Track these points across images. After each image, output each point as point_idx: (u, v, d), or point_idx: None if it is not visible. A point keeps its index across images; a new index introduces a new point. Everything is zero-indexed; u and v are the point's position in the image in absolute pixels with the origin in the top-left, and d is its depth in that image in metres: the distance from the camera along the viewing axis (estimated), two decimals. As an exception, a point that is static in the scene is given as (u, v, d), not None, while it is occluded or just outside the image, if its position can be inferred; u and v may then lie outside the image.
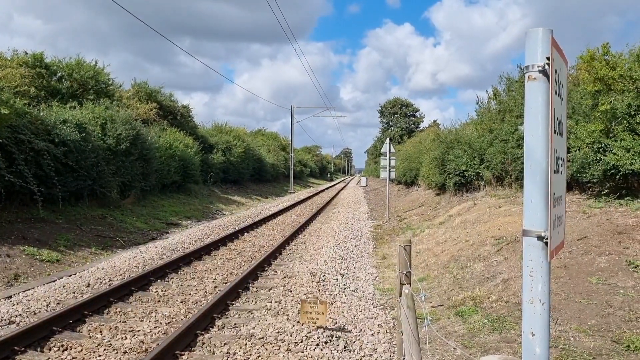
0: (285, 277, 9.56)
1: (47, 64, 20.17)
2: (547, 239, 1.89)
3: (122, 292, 7.98)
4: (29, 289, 8.42)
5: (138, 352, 5.68)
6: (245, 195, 33.42)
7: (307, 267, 10.32)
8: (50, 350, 5.75)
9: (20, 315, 6.89)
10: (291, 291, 8.44)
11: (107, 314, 7.14)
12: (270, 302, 7.79)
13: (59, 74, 21.09)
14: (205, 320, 6.66)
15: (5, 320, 6.65)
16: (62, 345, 5.83)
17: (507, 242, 9.63)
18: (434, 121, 55.14)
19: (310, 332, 6.31)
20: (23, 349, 5.59)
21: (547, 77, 1.88)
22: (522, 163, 1.97)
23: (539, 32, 1.89)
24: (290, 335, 6.22)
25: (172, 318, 6.95)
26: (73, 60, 21.72)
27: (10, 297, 7.90)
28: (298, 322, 6.68)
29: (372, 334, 6.46)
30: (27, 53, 19.58)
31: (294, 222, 18.53)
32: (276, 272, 10.03)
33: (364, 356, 5.75)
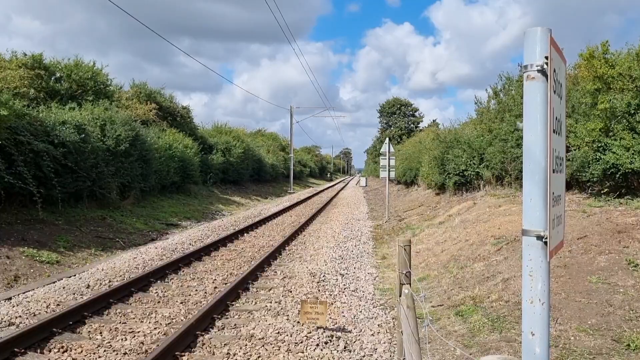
0: (285, 277, 9.56)
1: (46, 65, 20.16)
2: (546, 238, 1.88)
3: (122, 293, 7.97)
4: (28, 291, 8.41)
5: (138, 353, 5.67)
6: (245, 196, 33.41)
7: (307, 268, 10.32)
8: (50, 351, 5.74)
9: (20, 316, 6.89)
10: (291, 291, 8.44)
11: (107, 315, 7.13)
12: (270, 302, 7.78)
13: (58, 75, 21.08)
14: (205, 321, 6.65)
15: (5, 321, 6.64)
16: (62, 347, 5.83)
17: (506, 241, 9.63)
18: (434, 121, 55.21)
19: (310, 333, 6.31)
20: (23, 350, 5.59)
21: (546, 76, 1.88)
22: (522, 162, 1.97)
23: (538, 32, 1.89)
24: (291, 336, 6.22)
25: (172, 319, 6.94)
26: (72, 61, 21.71)
27: (10, 298, 7.89)
28: (298, 322, 6.67)
29: (372, 334, 6.45)
30: (26, 54, 19.57)
31: (294, 223, 18.52)
32: (276, 272, 10.02)
33: (364, 356, 5.75)
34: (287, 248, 12.91)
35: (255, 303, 7.85)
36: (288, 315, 7.08)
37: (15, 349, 5.53)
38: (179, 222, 18.84)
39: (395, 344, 5.83)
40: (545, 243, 1.89)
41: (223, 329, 6.60)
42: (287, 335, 6.25)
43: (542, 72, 1.88)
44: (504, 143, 16.49)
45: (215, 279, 9.32)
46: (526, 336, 1.94)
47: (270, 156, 48.53)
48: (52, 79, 20.64)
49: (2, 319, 6.73)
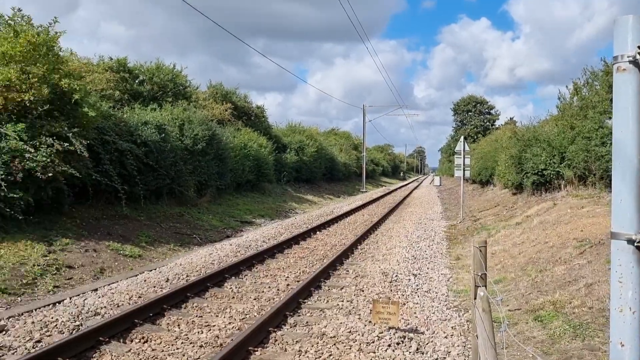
0: (357, 276, 9.53)
1: (129, 69, 21.17)
2: (638, 242, 1.75)
3: (199, 287, 8.22)
4: (113, 282, 8.84)
5: (213, 347, 5.83)
6: (318, 194, 33.67)
7: (379, 267, 10.24)
8: (132, 341, 6.01)
9: (105, 307, 7.25)
10: (363, 290, 8.40)
11: (184, 308, 7.38)
12: (342, 301, 7.78)
13: (141, 78, 22.07)
14: (278, 318, 6.73)
15: (91, 311, 7.01)
16: (143, 337, 6.08)
17: (590, 244, 9.15)
18: (511, 118, 53.38)
19: (382, 333, 6.25)
20: (107, 339, 5.87)
21: (638, 67, 1.75)
22: (607, 162, 1.85)
23: (630, 20, 1.76)
24: (362, 335, 6.18)
25: (246, 314, 7.08)
26: (153, 64, 22.68)
27: (97, 289, 8.34)
28: (370, 322, 6.63)
29: (446, 337, 6.31)
30: (111, 58, 20.65)
31: (366, 222, 18.46)
32: (348, 271, 10.01)
33: (437, 359, 5.63)
34: (359, 247, 12.87)
35: (327, 301, 7.87)
36: (360, 315, 7.05)
37: (100, 338, 5.82)
38: (253, 220, 19.22)
39: (469, 348, 5.67)
40: (638, 247, 1.76)
41: (295, 326, 6.66)
42: (358, 334, 6.22)
43: (635, 62, 1.75)
44: (588, 141, 15.68)
45: (287, 277, 9.42)
46: (614, 346, 1.82)
47: (343, 155, 48.62)
48: (136, 81, 21.64)
49: (89, 308, 7.11)
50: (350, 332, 6.32)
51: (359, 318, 6.90)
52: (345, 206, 25.82)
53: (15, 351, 5.57)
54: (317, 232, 15.40)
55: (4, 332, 6.11)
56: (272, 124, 37.06)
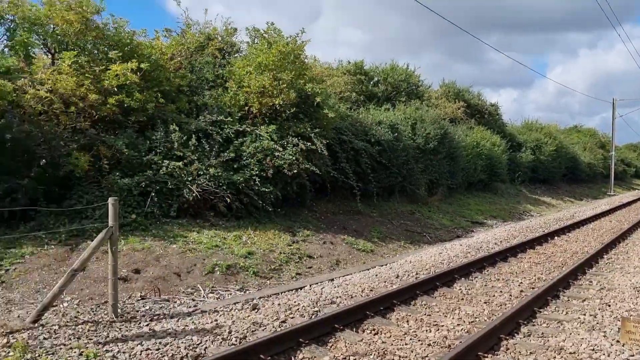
0: (602, 288, 8.60)
1: (365, 71, 22.29)
2: None
3: (428, 286, 8.26)
4: (347, 274, 9.40)
5: (441, 347, 5.81)
6: (556, 197, 31.24)
7: (631, 281, 9.08)
8: (363, 332, 6.31)
9: (339, 297, 7.74)
10: (609, 305, 7.54)
11: (413, 305, 7.49)
12: (584, 314, 7.09)
13: (375, 79, 23.05)
14: (510, 325, 6.42)
15: (328, 299, 7.55)
16: (374, 329, 6.34)
17: None
18: None
19: (632, 356, 5.54)
20: (342, 327, 6.25)
21: None
22: None
23: None
24: (608, 356, 5.56)
25: (475, 318, 6.90)
26: (388, 65, 23.52)
27: (332, 279, 8.96)
28: (617, 341, 5.93)
29: None
30: (349, 62, 21.94)
31: (614, 228, 16.53)
32: (591, 282, 9.10)
33: None
34: (605, 256, 11.58)
35: (566, 313, 7.25)
36: (605, 332, 6.35)
37: (336, 325, 6.23)
38: (485, 221, 18.65)
39: None
40: None
41: (529, 335, 6.28)
42: (603, 354, 5.61)
43: None
44: None
45: (521, 282, 8.93)
46: None
47: (587, 154, 44.28)
48: (371, 82, 22.67)
49: (326, 297, 7.67)
50: (593, 350, 5.73)
51: (604, 336, 6.21)
52: (588, 210, 23.48)
53: (265, 328, 6.28)
54: (555, 237, 14.28)
55: (256, 310, 6.94)
56: (506, 121, 35.63)
